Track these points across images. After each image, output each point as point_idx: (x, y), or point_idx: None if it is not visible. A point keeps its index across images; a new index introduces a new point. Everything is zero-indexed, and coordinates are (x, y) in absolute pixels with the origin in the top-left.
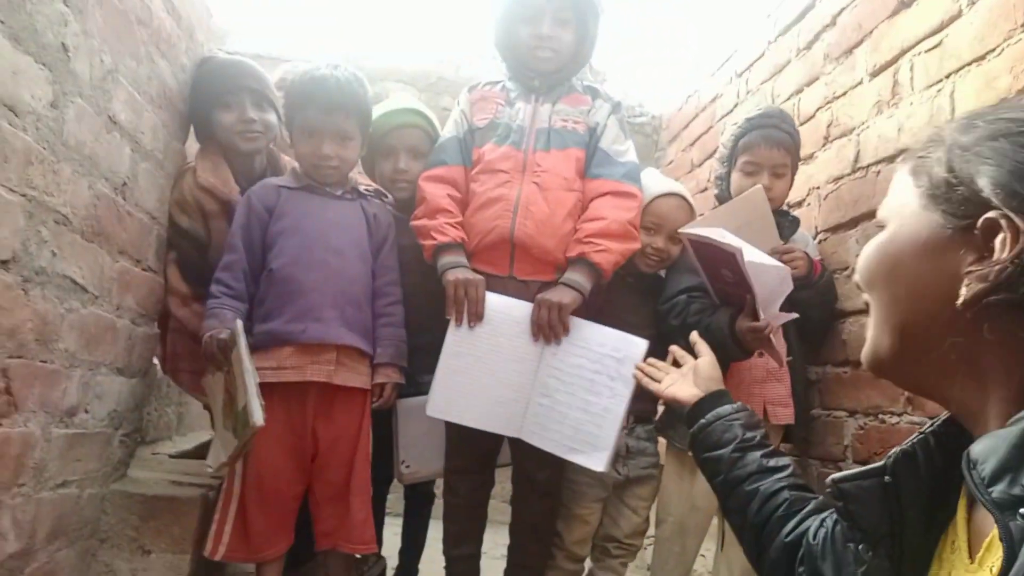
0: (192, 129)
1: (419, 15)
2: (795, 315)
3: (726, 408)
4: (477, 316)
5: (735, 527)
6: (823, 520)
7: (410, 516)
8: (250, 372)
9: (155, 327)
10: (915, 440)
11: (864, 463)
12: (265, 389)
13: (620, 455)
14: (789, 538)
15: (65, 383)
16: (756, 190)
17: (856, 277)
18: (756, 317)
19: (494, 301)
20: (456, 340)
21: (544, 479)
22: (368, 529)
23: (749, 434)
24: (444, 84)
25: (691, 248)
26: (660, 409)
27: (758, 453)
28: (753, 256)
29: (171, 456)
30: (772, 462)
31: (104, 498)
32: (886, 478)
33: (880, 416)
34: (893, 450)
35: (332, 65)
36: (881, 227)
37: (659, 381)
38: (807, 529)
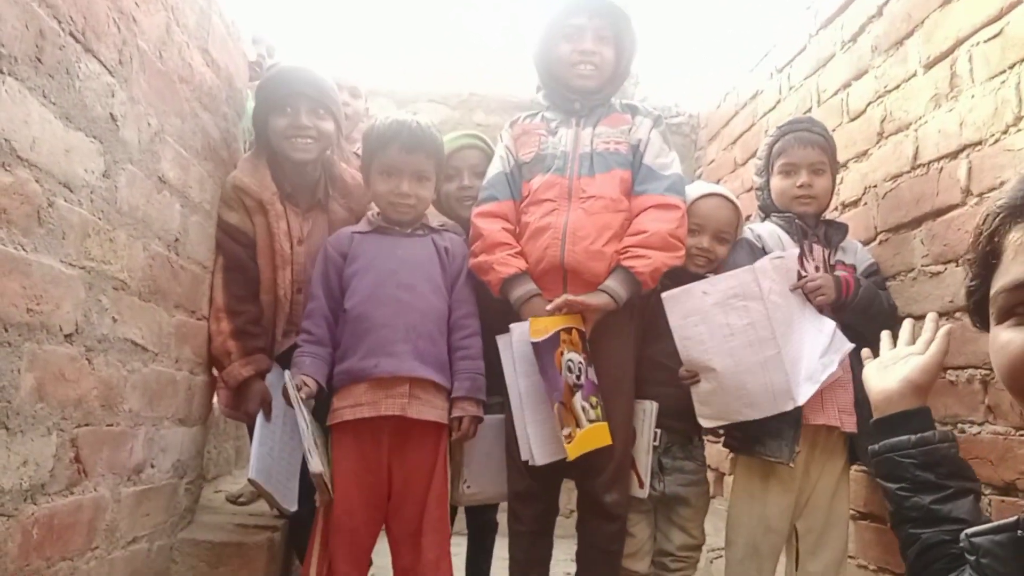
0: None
1: (444, 33)
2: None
3: (903, 440)
4: None
5: (902, 556)
6: None
7: (474, 546)
8: (303, 424)
9: (211, 372)
10: None
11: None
12: (341, 428)
13: (654, 472)
14: None
15: (131, 442)
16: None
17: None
18: None
19: None
20: (514, 384)
21: (612, 502)
22: (442, 569)
23: (923, 475)
24: (476, 100)
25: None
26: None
27: (927, 498)
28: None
29: (231, 501)
30: (944, 509)
31: (173, 547)
32: (1019, 532)
33: (959, 425)
34: None
35: (412, 112)
36: None
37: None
38: None
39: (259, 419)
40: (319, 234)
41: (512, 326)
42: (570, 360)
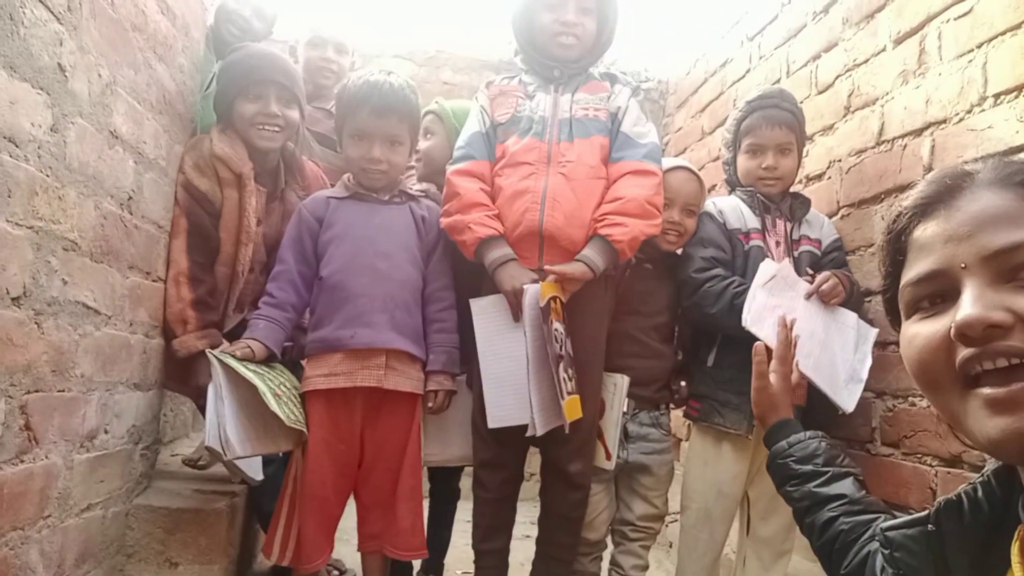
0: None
1: None
2: None
3: (780, 445)
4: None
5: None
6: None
7: (436, 512)
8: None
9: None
10: (961, 490)
11: (894, 445)
12: (313, 396)
13: (620, 440)
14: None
15: (84, 408)
16: (764, 267)
17: None
18: None
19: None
20: (489, 348)
21: (576, 471)
22: (416, 535)
23: (803, 468)
24: (444, 57)
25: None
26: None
27: (810, 485)
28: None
29: (188, 465)
30: (825, 490)
31: (128, 514)
32: (929, 527)
33: (909, 399)
34: (938, 499)
35: (386, 71)
36: None
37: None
38: (866, 556)
39: (211, 389)
40: (276, 219)
41: (526, 287)
42: (556, 330)
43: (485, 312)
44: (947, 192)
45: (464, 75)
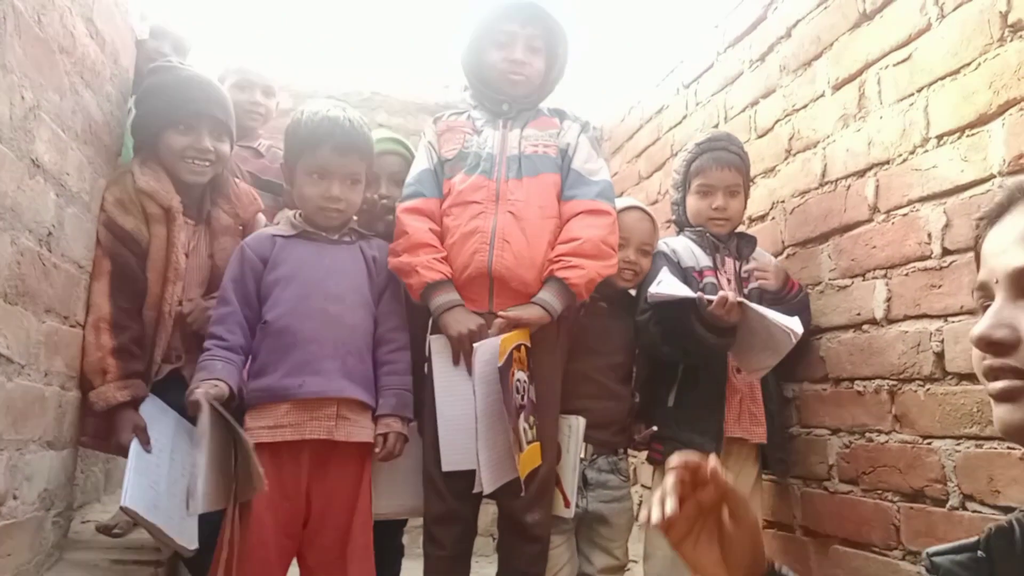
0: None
1: (351, 32)
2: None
3: None
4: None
5: None
6: None
7: (380, 574)
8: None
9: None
10: (1012, 517)
11: (853, 482)
12: (256, 449)
13: (579, 488)
14: None
15: None
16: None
17: None
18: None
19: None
20: (445, 391)
21: (533, 523)
22: None
23: None
24: (379, 99)
25: None
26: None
27: None
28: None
29: (103, 532)
30: None
31: None
32: (979, 553)
33: (867, 435)
34: (989, 525)
35: (340, 106)
36: None
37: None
38: None
39: (134, 447)
40: (203, 244)
41: (476, 345)
42: (519, 380)
43: (445, 351)
44: (1008, 203)
45: (400, 117)
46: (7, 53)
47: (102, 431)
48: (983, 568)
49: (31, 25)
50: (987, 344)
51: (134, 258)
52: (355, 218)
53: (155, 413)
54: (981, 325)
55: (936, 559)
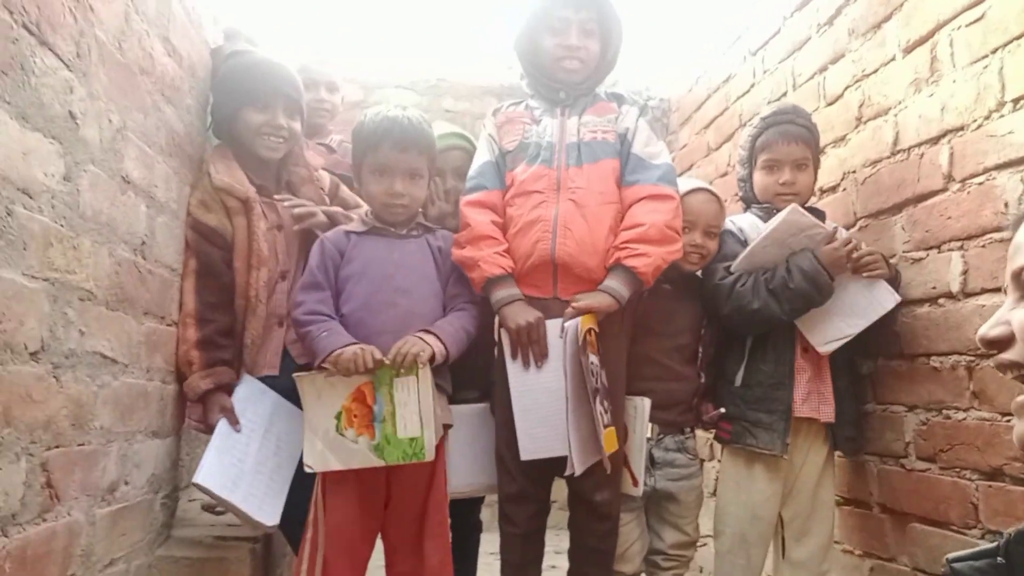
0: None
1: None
2: None
3: None
4: (543, 355)
5: None
6: None
7: (459, 549)
8: (430, 403)
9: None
10: None
11: (930, 460)
12: None
13: (647, 466)
14: None
15: (103, 461)
16: (790, 210)
17: None
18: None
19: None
20: (519, 379)
21: (602, 501)
22: (445, 573)
23: None
24: (445, 86)
25: None
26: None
27: None
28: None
29: (207, 510)
30: None
31: (151, 566)
32: (999, 559)
33: (944, 411)
34: (1008, 530)
35: (401, 107)
36: None
37: None
38: None
39: (220, 427)
40: (287, 217)
41: (567, 324)
42: (592, 363)
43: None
44: None
45: (466, 102)
46: (93, 82)
47: (203, 415)
48: (1003, 573)
49: (113, 52)
50: (987, 343)
51: (219, 252)
52: (421, 211)
53: (252, 394)
54: (984, 325)
55: (956, 565)
